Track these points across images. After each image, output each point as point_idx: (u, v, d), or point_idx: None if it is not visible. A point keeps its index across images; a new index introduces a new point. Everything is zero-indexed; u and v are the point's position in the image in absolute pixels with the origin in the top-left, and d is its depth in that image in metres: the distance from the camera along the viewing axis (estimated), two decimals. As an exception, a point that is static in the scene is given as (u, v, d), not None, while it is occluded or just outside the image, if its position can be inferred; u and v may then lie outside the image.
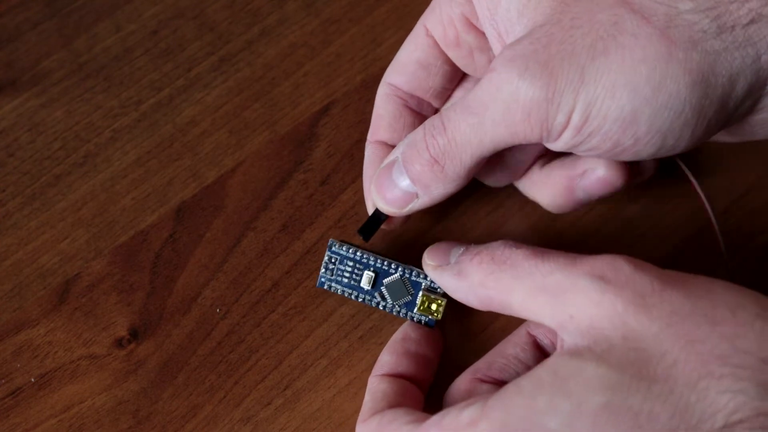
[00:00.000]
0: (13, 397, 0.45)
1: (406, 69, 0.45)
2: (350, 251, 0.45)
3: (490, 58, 0.45)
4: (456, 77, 0.46)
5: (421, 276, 0.45)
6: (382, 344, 0.46)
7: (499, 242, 0.41)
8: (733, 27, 0.37)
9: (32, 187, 0.49)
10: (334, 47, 0.52)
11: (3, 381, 0.45)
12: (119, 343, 0.46)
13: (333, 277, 0.45)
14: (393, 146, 0.46)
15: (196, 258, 0.48)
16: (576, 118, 0.38)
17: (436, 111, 0.47)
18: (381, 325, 0.47)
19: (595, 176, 0.43)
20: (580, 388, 0.35)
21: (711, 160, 0.50)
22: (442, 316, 0.45)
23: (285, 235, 0.48)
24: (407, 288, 0.45)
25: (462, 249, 0.42)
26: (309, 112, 0.51)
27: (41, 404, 0.45)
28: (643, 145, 0.39)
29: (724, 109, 0.38)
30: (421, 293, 0.44)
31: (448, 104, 0.47)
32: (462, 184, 0.42)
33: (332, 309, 0.47)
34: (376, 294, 0.45)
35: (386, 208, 0.43)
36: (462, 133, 0.40)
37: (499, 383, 0.41)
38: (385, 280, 0.45)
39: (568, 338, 0.37)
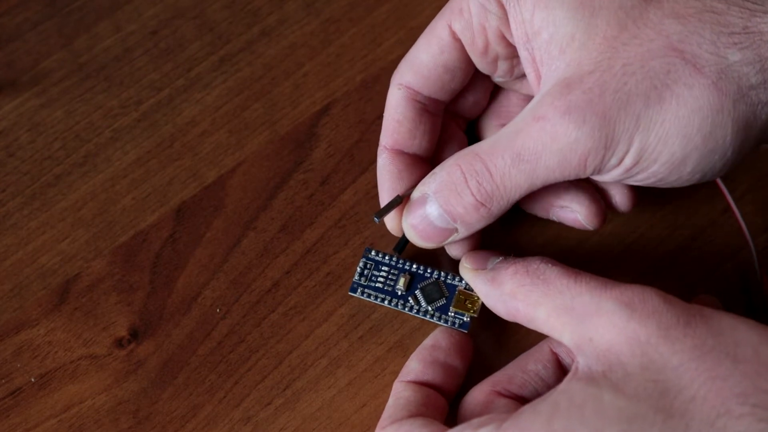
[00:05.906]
0: (13, 397, 0.45)
1: (431, 72, 0.44)
2: (386, 257, 0.46)
3: (513, 66, 0.45)
4: (470, 77, 0.46)
5: (457, 279, 0.45)
6: (383, 344, 0.46)
7: (537, 257, 0.41)
8: None
9: (32, 187, 0.49)
10: (334, 47, 0.52)
11: (3, 381, 0.45)
12: (119, 343, 0.46)
13: (366, 283, 0.45)
14: (410, 155, 0.45)
15: (196, 258, 0.48)
16: (628, 161, 0.40)
17: (442, 106, 0.46)
18: (381, 326, 0.47)
19: (572, 215, 0.44)
20: (596, 417, 0.36)
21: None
22: (472, 326, 0.45)
23: (285, 235, 0.48)
24: (442, 290, 0.45)
25: (500, 258, 0.43)
26: (309, 112, 0.51)
27: (41, 404, 0.45)
28: (684, 180, 0.41)
29: (757, 144, 0.41)
30: (457, 292, 0.45)
31: (484, 130, 0.48)
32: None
33: (332, 309, 0.47)
34: (410, 298, 0.45)
35: (423, 244, 0.44)
36: (512, 179, 0.41)
37: (518, 399, 0.42)
38: (420, 283, 0.45)
39: (582, 360, 0.38)
